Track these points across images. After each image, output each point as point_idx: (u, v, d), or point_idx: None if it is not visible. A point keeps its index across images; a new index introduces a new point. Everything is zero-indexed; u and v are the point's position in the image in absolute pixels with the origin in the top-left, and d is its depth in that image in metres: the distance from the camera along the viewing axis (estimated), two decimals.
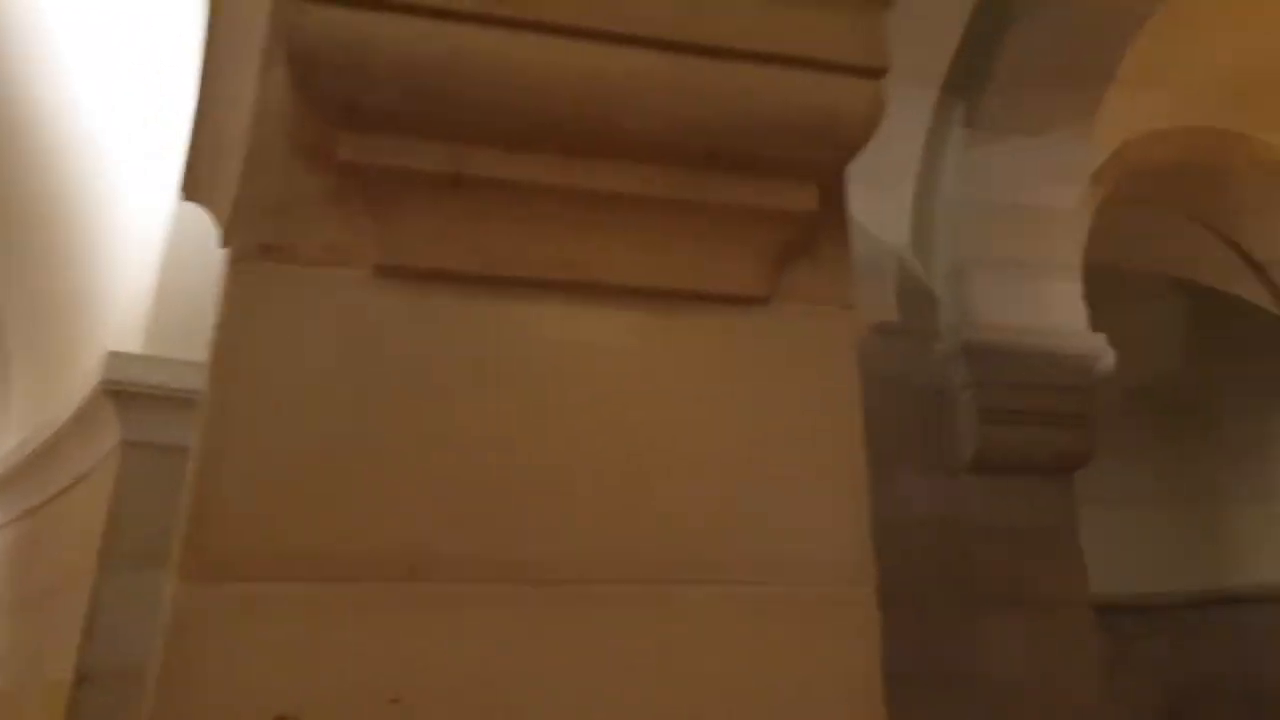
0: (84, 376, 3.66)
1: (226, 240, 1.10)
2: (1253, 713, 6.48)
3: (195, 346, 3.06)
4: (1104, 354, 4.05)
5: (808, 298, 1.11)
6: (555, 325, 1.01)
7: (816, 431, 1.04)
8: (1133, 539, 7.04)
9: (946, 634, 3.59)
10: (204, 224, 1.91)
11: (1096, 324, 4.30)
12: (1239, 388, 7.34)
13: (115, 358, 3.42)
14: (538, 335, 1.00)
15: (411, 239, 0.99)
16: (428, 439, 0.93)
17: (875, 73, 1.08)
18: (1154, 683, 6.65)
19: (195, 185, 1.43)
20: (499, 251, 1.01)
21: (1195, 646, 6.74)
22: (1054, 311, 4.10)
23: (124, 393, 3.35)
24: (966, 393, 3.89)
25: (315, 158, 1.00)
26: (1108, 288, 6.13)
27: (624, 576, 0.92)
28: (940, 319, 4.08)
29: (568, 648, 0.87)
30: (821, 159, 1.08)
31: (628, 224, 1.05)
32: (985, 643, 3.59)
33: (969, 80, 4.32)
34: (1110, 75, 4.26)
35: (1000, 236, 4.22)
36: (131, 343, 3.49)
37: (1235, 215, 5.32)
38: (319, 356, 0.94)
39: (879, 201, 4.38)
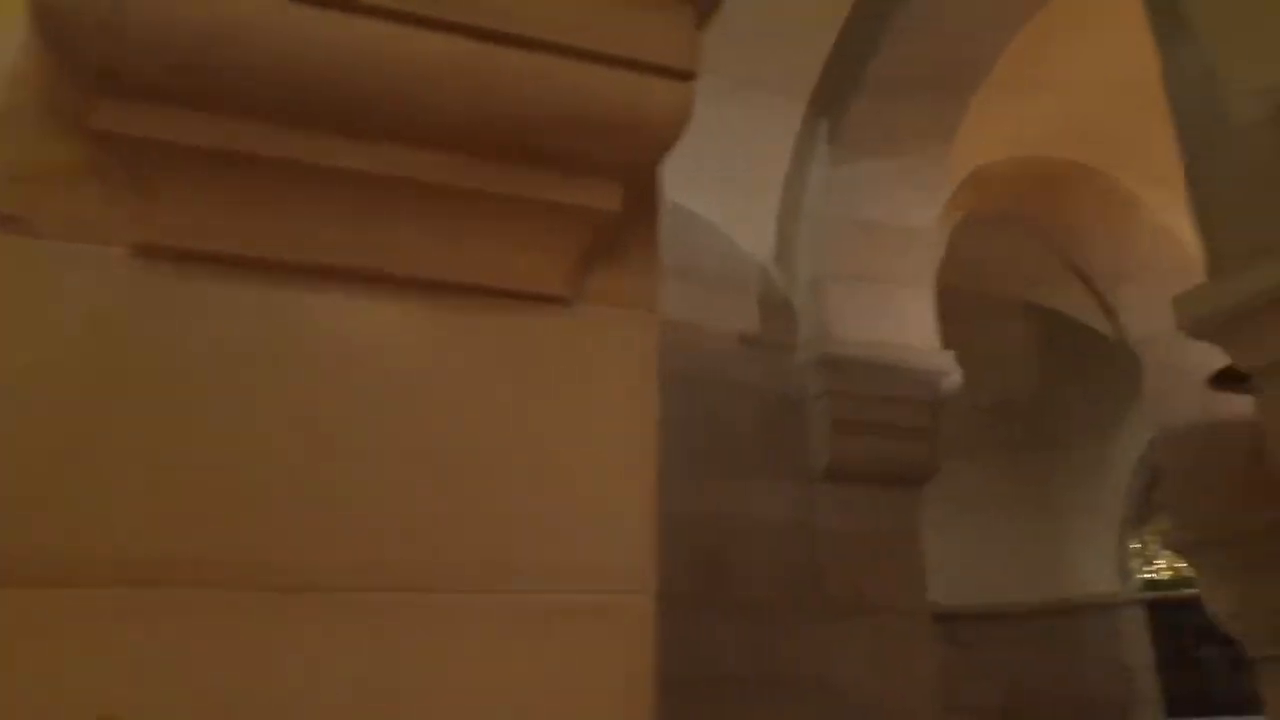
0: None
1: None
2: (1079, 714, 6.89)
3: None
4: (951, 370, 4.21)
5: (611, 300, 1.09)
6: (332, 316, 0.96)
7: (608, 438, 1.01)
8: (980, 551, 7.38)
9: (793, 639, 3.65)
10: None
11: (957, 343, 4.47)
12: (1084, 409, 7.77)
13: None
14: (312, 327, 0.95)
15: (176, 217, 0.92)
16: (175, 435, 0.86)
17: (684, 75, 1.07)
18: (993, 689, 6.97)
19: None
20: (274, 236, 0.95)
21: (1033, 654, 7.11)
22: (906, 327, 4.24)
23: None
24: (820, 403, 3.99)
25: (72, 124, 0.92)
26: (968, 308, 6.42)
27: (385, 584, 0.87)
28: (800, 331, 4.17)
29: (316, 660, 0.82)
30: (628, 159, 1.06)
31: (420, 213, 1.00)
32: (829, 648, 3.67)
33: (834, 99, 4.43)
34: (967, 102, 4.45)
35: (859, 252, 4.34)
36: None
37: (1078, 242, 5.63)
38: (58, 340, 0.86)
39: (745, 214, 4.45)
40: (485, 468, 0.97)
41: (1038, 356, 7.49)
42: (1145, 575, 9.15)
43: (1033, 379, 7.57)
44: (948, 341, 4.44)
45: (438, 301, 1.01)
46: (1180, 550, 5.05)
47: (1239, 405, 4.18)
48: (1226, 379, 3.64)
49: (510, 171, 1.02)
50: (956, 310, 5.38)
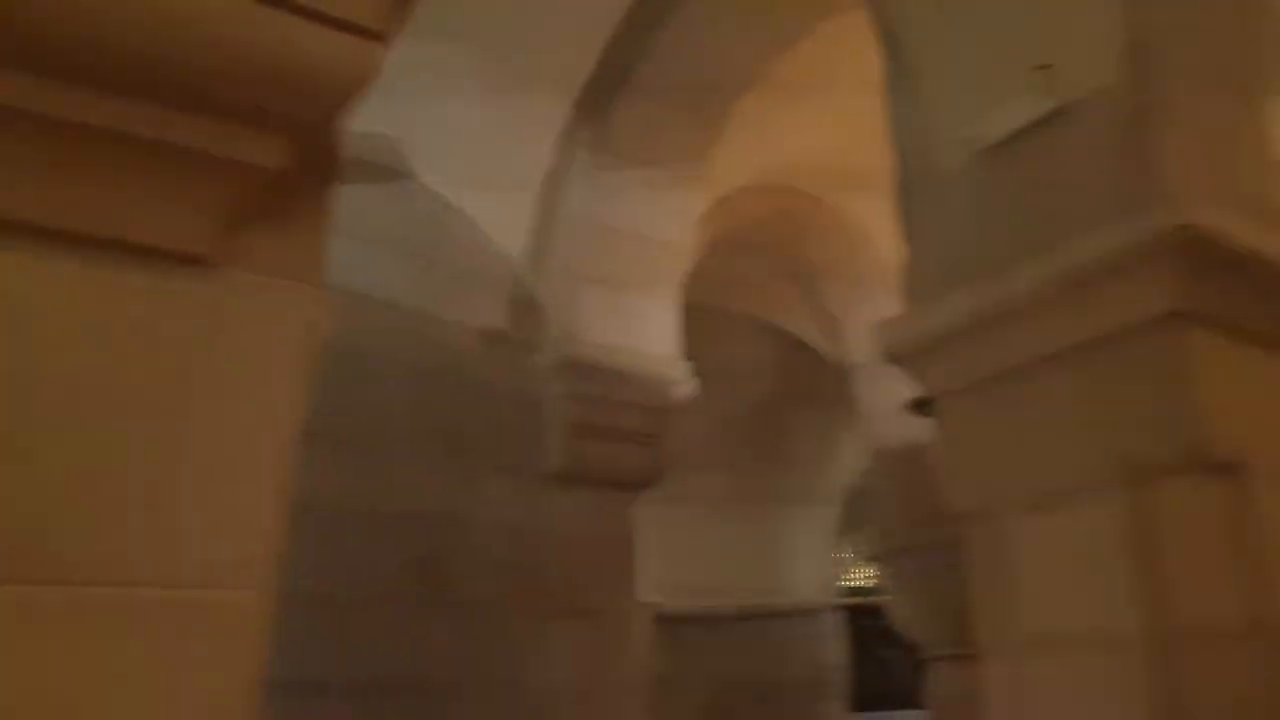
0: None
1: None
2: (777, 710, 7.41)
3: None
4: (686, 380, 4.35)
5: (266, 268, 0.98)
6: None
7: (240, 423, 0.91)
8: (705, 556, 7.73)
9: (511, 640, 3.61)
10: None
11: (697, 355, 4.62)
12: (811, 426, 8.33)
13: None
14: None
15: None
16: None
17: (369, 33, 0.98)
18: (704, 687, 7.33)
19: None
20: None
21: (743, 655, 7.54)
22: (648, 336, 4.34)
23: None
24: (558, 405, 3.98)
25: None
26: (710, 323, 6.69)
27: None
28: (545, 332, 4.15)
29: None
30: (296, 114, 0.96)
31: (38, 152, 0.86)
32: (547, 649, 3.67)
33: (599, 105, 4.46)
34: (721, 126, 4.62)
35: (610, 259, 4.39)
36: None
37: (812, 270, 6.02)
38: None
39: (501, 209, 4.37)
40: (93, 449, 0.84)
41: (772, 374, 7.93)
42: (848, 582, 10.00)
43: (765, 395, 8.02)
44: (689, 353, 4.58)
45: (54, 252, 0.86)
46: (874, 560, 5.52)
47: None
48: (923, 404, 3.98)
49: (154, 113, 0.89)
50: (700, 324, 5.59)
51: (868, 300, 5.91)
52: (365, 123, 3.78)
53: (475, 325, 4.03)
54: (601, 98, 4.46)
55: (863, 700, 8.91)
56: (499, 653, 3.57)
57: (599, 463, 4.00)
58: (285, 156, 0.96)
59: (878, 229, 5.80)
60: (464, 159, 4.26)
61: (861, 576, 10.08)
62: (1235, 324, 2.09)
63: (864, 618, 8.94)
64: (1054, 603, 2.17)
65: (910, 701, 8.18)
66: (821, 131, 5.19)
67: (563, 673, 3.69)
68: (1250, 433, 2.04)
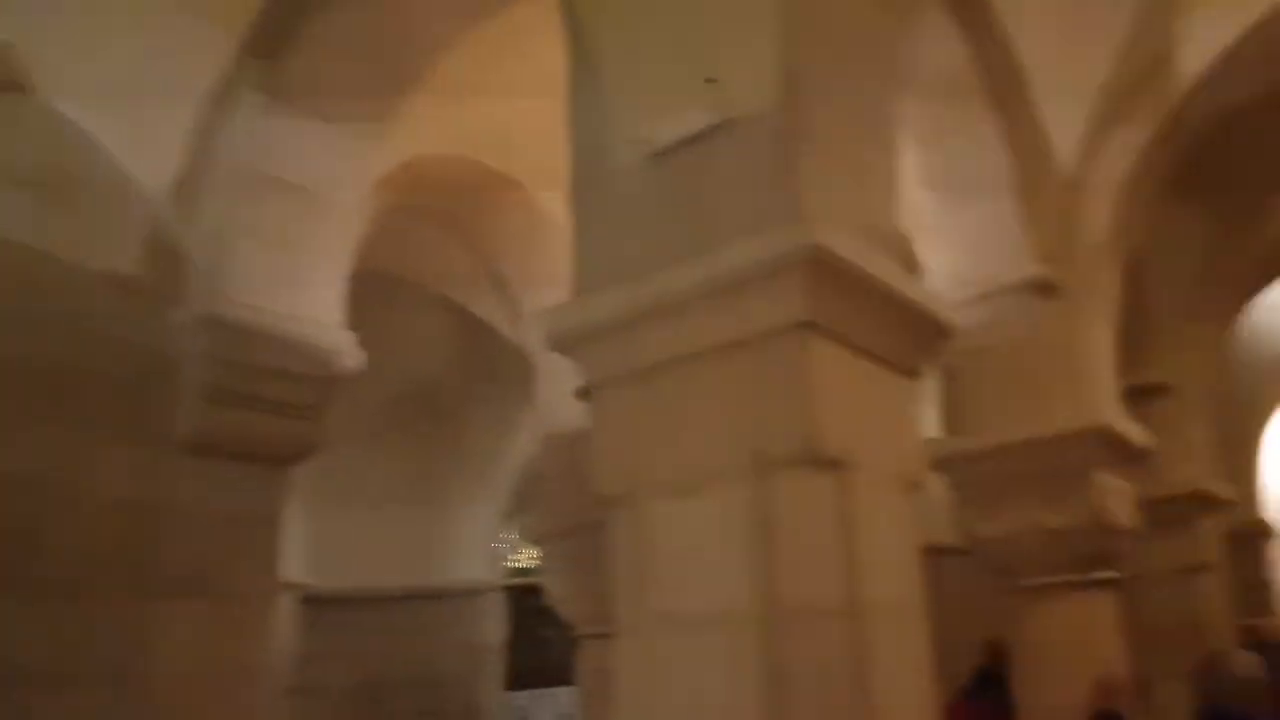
0: None
1: None
2: (430, 691, 7.34)
3: None
4: (349, 351, 4.10)
5: None
6: None
7: None
8: (364, 536, 7.42)
9: (120, 626, 3.21)
10: None
11: (366, 326, 4.35)
12: (486, 407, 8.27)
13: None
14: None
15: None
16: None
17: None
18: (354, 670, 7.07)
19: None
20: None
21: (399, 637, 7.36)
22: (310, 300, 4.03)
23: None
24: (196, 367, 3.58)
25: None
26: (383, 293, 6.41)
27: None
28: (188, 285, 3.71)
29: None
30: None
31: None
32: (163, 634, 3.29)
33: (273, 45, 4.06)
34: (407, 85, 4.39)
35: (273, 213, 4.03)
36: None
37: (496, 249, 5.96)
38: None
39: (145, 142, 3.84)
40: None
41: (449, 351, 7.77)
42: (514, 564, 10.14)
43: (439, 372, 7.84)
44: (357, 323, 4.32)
45: None
46: (534, 542, 5.61)
47: None
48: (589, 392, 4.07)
49: None
50: (372, 292, 5.32)
51: (550, 283, 5.93)
52: None
53: (102, 269, 3.51)
54: (277, 36, 4.06)
55: (522, 678, 9.09)
56: (106, 639, 3.16)
57: (241, 434, 3.65)
58: None
59: (564, 211, 5.84)
60: (106, 77, 3.69)
61: (527, 557, 10.23)
62: (850, 337, 2.32)
63: (527, 598, 9.09)
64: (683, 584, 2.30)
65: (566, 678, 8.45)
66: (518, 108, 5.11)
67: (184, 658, 3.35)
68: (855, 434, 2.28)
